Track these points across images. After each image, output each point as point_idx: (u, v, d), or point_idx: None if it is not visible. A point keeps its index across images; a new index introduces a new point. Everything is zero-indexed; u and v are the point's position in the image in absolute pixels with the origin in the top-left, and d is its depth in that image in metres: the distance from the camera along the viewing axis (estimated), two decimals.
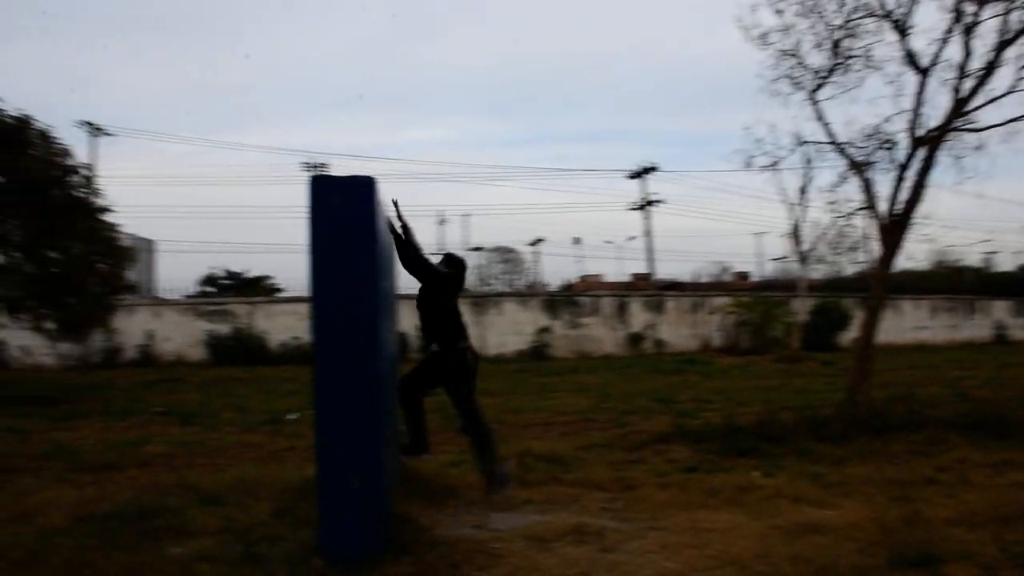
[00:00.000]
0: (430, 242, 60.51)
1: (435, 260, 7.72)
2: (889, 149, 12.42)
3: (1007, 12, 10.89)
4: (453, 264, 7.75)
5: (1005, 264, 67.47)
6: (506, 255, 70.39)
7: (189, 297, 34.73)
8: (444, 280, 7.48)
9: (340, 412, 5.48)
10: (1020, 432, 10.15)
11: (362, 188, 5.68)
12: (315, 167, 43.27)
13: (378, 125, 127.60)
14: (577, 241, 55.06)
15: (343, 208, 5.60)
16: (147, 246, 42.60)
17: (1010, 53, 11.12)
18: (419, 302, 7.44)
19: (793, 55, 12.62)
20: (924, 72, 11.56)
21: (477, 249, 66.66)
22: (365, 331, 5.57)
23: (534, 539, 6.24)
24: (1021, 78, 11.22)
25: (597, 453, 10.27)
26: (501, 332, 33.27)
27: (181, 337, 31.49)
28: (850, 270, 56.23)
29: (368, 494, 5.45)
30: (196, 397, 19.03)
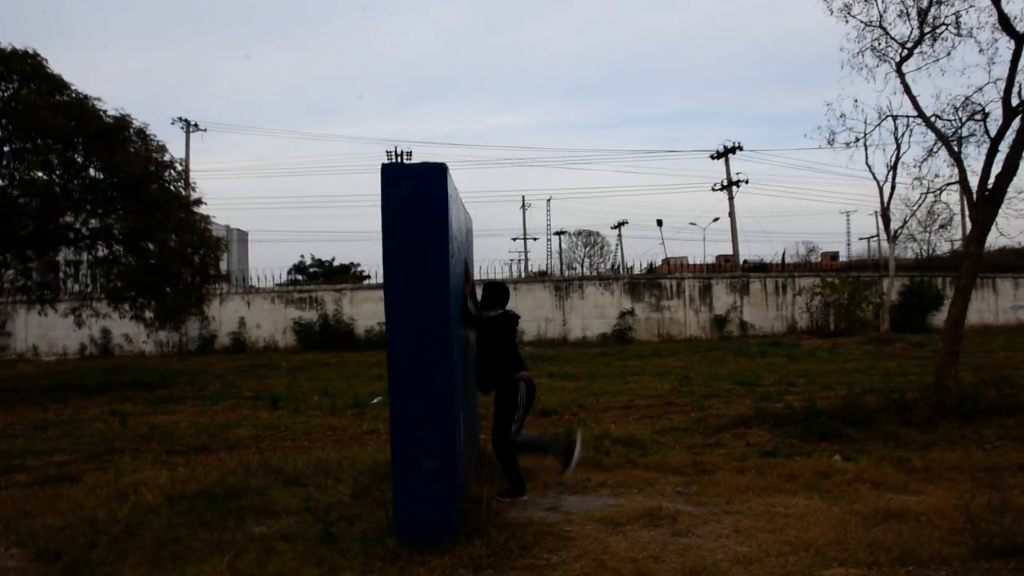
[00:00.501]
0: (514, 226, 60.59)
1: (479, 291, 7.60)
2: (981, 120, 11.94)
3: None
4: (494, 292, 7.45)
5: None
6: (589, 238, 70.27)
7: (279, 285, 35.77)
8: (490, 325, 7.31)
9: (413, 396, 5.61)
10: None
11: (433, 174, 5.76)
12: (399, 155, 43.80)
13: (463, 113, 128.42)
14: (660, 223, 54.42)
15: (414, 195, 5.70)
16: (240, 236, 44.00)
17: None
18: (477, 341, 7.36)
19: (877, 26, 12.22)
20: (1020, 38, 11.03)
21: (560, 233, 66.77)
22: (436, 316, 5.67)
23: (606, 522, 6.28)
24: None
25: (675, 437, 10.25)
26: (584, 316, 33.26)
27: (271, 324, 32.50)
28: (942, 248, 54.40)
29: (441, 476, 5.57)
30: (284, 382, 19.66)
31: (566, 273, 52.96)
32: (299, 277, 47.45)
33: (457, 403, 5.85)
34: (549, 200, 67.68)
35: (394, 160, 40.79)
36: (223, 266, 24.70)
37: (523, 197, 62.93)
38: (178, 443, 11.01)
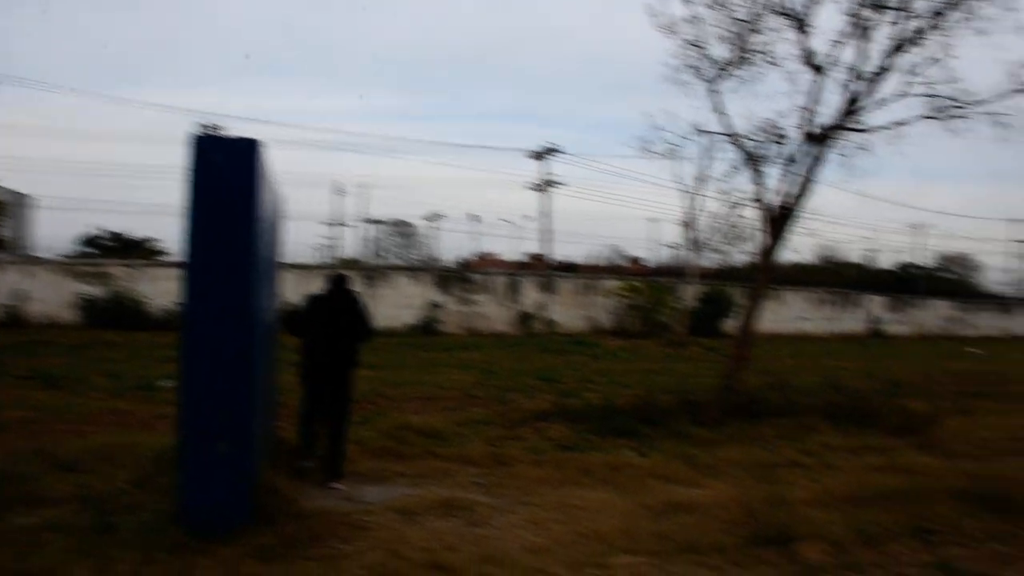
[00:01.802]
0: (328, 213, 59.45)
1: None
2: (781, 143, 12.81)
3: (899, 21, 11.34)
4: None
5: (884, 261, 70.98)
6: (403, 229, 69.84)
7: (66, 257, 33.09)
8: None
9: (209, 375, 5.33)
10: (881, 420, 10.71)
11: (246, 149, 5.51)
12: (211, 129, 41.68)
13: (286, 92, 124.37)
14: (475, 218, 54.94)
15: (225, 169, 5.43)
16: (21, 201, 40.38)
17: (900, 60, 11.60)
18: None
19: (698, 46, 12.84)
20: (820, 71, 11.94)
21: (374, 222, 65.94)
22: (239, 293, 5.43)
23: (403, 512, 6.24)
24: (909, 84, 11.72)
25: (475, 429, 10.32)
26: (392, 305, 32.98)
27: (54, 298, 29.99)
28: (739, 259, 58.27)
29: (234, 461, 5.32)
30: (64, 361, 18.19)
31: (377, 262, 52.39)
32: (90, 250, 44.21)
33: (255, 385, 5.62)
34: (365, 187, 66.78)
35: (201, 133, 38.73)
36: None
37: (338, 182, 61.73)
38: None
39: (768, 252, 12.35)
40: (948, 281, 67.34)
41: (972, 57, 11.63)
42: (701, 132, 15.22)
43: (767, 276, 12.42)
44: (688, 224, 29.27)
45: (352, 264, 40.27)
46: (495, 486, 7.39)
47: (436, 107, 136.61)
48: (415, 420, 10.21)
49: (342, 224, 61.76)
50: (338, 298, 7.59)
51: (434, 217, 63.42)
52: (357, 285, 32.17)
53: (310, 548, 5.22)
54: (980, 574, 5.31)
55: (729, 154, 14.07)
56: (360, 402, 12.48)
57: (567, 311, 36.82)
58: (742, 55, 12.62)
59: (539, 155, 43.21)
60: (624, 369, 20.19)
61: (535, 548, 5.54)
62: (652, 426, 10.35)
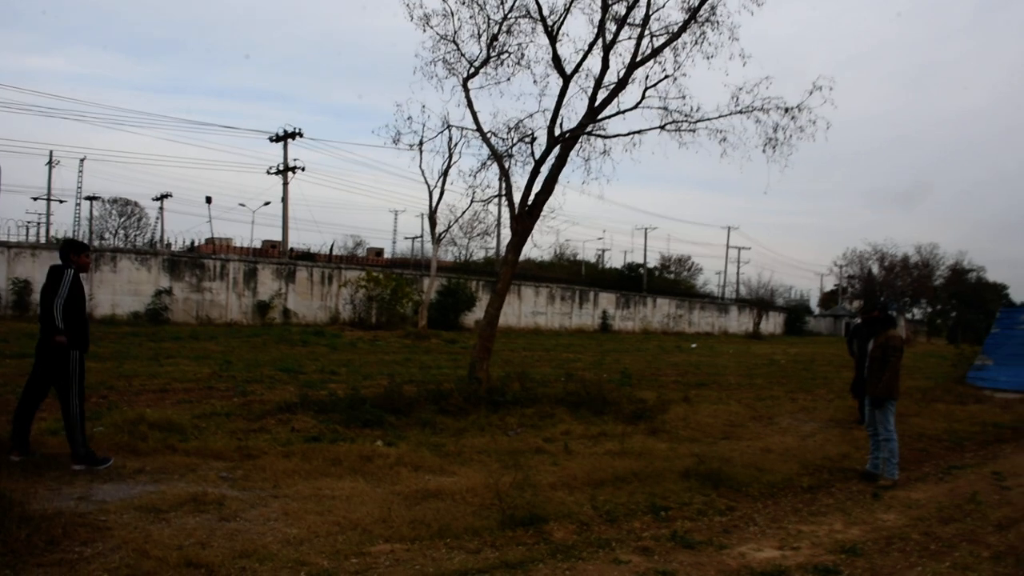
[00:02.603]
0: (37, 184, 53.83)
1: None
2: (529, 143, 13.39)
3: (640, 37, 12.25)
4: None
5: (614, 260, 76.24)
6: (125, 207, 64.95)
7: None
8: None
9: None
10: (614, 409, 11.55)
11: None
12: None
13: None
14: (209, 201, 52.01)
15: None
16: None
17: (639, 73, 12.54)
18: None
19: (451, 40, 13.08)
20: (567, 77, 12.62)
21: (92, 198, 60.73)
22: None
23: (147, 509, 5.88)
24: (645, 96, 12.70)
25: (217, 422, 9.90)
26: (115, 291, 30.56)
27: None
28: (479, 254, 60.11)
29: None
30: None
31: (97, 243, 48.23)
32: None
33: None
34: (83, 160, 61.26)
35: None
36: None
37: (51, 152, 56.17)
38: None
39: (513, 247, 12.86)
40: (670, 281, 73.91)
41: (701, 78, 12.90)
42: (450, 127, 15.61)
43: (511, 270, 12.93)
44: (431, 217, 29.64)
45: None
46: (243, 479, 7.14)
47: (167, 79, 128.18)
48: (150, 413, 9.56)
49: (56, 199, 56.41)
50: (51, 273, 7.31)
51: (163, 197, 59.64)
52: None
53: (44, 554, 4.75)
54: (707, 542, 5.91)
55: (478, 150, 14.57)
56: (87, 395, 11.56)
57: (305, 301, 36.07)
58: (495, 54, 13.07)
59: (281, 138, 41.85)
60: (365, 360, 20.15)
61: (292, 540, 5.44)
62: (399, 416, 10.45)
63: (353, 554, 5.25)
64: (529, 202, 12.53)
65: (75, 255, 7.45)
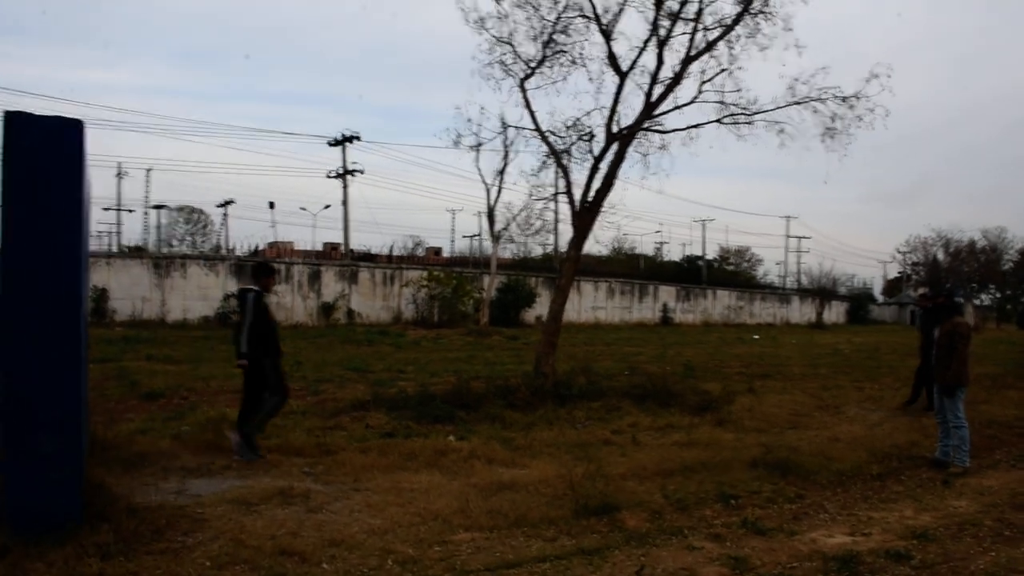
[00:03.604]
0: (106, 195, 55.68)
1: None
2: (588, 141, 13.53)
3: (693, 32, 12.31)
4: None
5: (673, 253, 75.80)
6: (191, 215, 66.62)
7: None
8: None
9: (36, 368, 5.05)
10: (679, 401, 11.64)
11: (69, 130, 5.25)
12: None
13: (53, 60, 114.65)
14: (272, 206, 53.23)
15: (43, 150, 5.15)
16: None
17: (694, 68, 12.59)
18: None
19: (507, 43, 13.29)
20: (623, 74, 12.72)
21: (159, 207, 62.49)
22: (66, 280, 5.17)
23: (238, 502, 6.21)
24: (701, 91, 12.75)
25: (294, 420, 10.26)
26: (185, 296, 31.53)
27: None
28: (537, 251, 60.32)
29: (62, 459, 5.08)
30: None
31: (165, 250, 49.69)
32: None
33: (84, 377, 5.40)
34: (149, 171, 63.23)
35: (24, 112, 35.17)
36: None
37: (119, 164, 57.99)
38: None
39: (574, 244, 13.03)
40: (729, 272, 73.21)
41: (756, 70, 12.92)
42: (508, 126, 15.84)
43: (573, 266, 13.10)
44: (490, 215, 29.93)
45: (138, 252, 37.99)
46: (324, 474, 7.44)
47: (225, 87, 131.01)
48: (231, 413, 9.95)
49: (126, 209, 58.13)
50: (239, 297, 8.36)
51: (226, 204, 61.08)
52: (145, 275, 30.59)
53: (151, 543, 5.11)
54: (778, 529, 6.03)
55: (536, 148, 14.79)
56: (168, 397, 12.09)
57: (368, 301, 36.68)
58: (550, 54, 13.23)
59: (339, 142, 42.59)
60: (430, 358, 20.48)
61: (377, 530, 5.70)
62: (468, 411, 10.70)
63: (436, 543, 5.50)
64: (589, 199, 12.67)
65: (263, 278, 8.39)
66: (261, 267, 8.59)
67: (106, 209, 59.91)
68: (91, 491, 5.45)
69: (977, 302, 76.09)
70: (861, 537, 5.96)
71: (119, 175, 57.48)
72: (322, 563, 4.99)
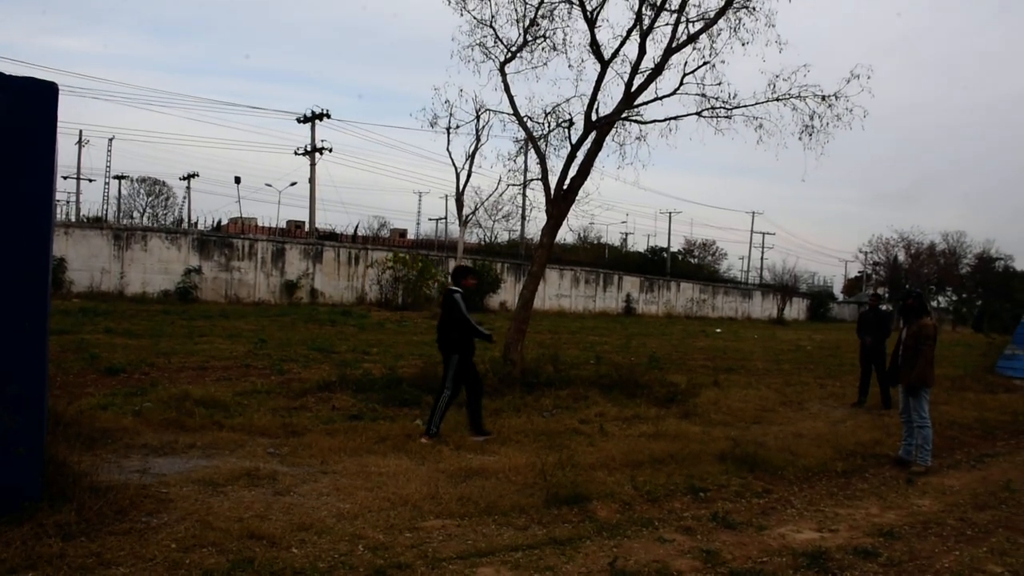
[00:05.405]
0: (65, 163, 54.47)
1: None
2: (566, 128, 13.44)
3: (676, 23, 12.25)
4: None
5: (638, 244, 76.06)
6: (153, 187, 65.54)
7: None
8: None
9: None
10: (646, 392, 11.66)
11: (42, 92, 5.05)
12: None
13: (20, 26, 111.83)
14: (237, 181, 52.27)
15: (13, 113, 4.96)
16: None
17: (676, 59, 12.54)
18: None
19: (489, 25, 13.13)
20: (605, 63, 12.63)
21: (121, 177, 61.38)
22: (32, 255, 4.99)
23: (204, 483, 6.08)
24: (683, 83, 12.70)
25: (258, 399, 10.13)
26: (146, 269, 31.00)
27: None
28: (504, 237, 60.17)
29: (23, 435, 4.91)
30: None
31: (126, 222, 48.74)
32: None
33: (46, 353, 5.22)
34: (111, 140, 61.94)
35: None
36: None
37: (80, 132, 56.78)
38: None
39: (549, 230, 12.95)
40: (693, 265, 73.68)
41: (738, 65, 12.90)
42: (483, 111, 15.72)
43: (546, 252, 13.04)
44: (458, 199, 29.71)
45: (97, 222, 37.20)
46: (291, 455, 7.34)
47: (196, 61, 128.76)
48: (194, 390, 9.80)
49: (86, 179, 56.97)
50: (446, 297, 8.85)
51: (190, 177, 60.14)
52: (105, 247, 29.97)
53: (115, 523, 4.96)
54: (747, 523, 6.05)
55: (512, 134, 14.67)
56: (129, 372, 11.86)
57: (332, 281, 36.39)
58: (532, 39, 13.11)
59: (309, 119, 42.03)
60: (394, 341, 20.35)
61: (346, 514, 5.62)
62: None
63: (406, 529, 5.43)
64: (565, 186, 12.59)
65: (462, 279, 8.96)
66: (459, 270, 9.18)
67: (65, 177, 58.70)
68: (52, 469, 5.28)
69: (935, 304, 77.45)
70: (828, 533, 6.00)
71: (80, 143, 56.32)
72: (291, 547, 4.89)
